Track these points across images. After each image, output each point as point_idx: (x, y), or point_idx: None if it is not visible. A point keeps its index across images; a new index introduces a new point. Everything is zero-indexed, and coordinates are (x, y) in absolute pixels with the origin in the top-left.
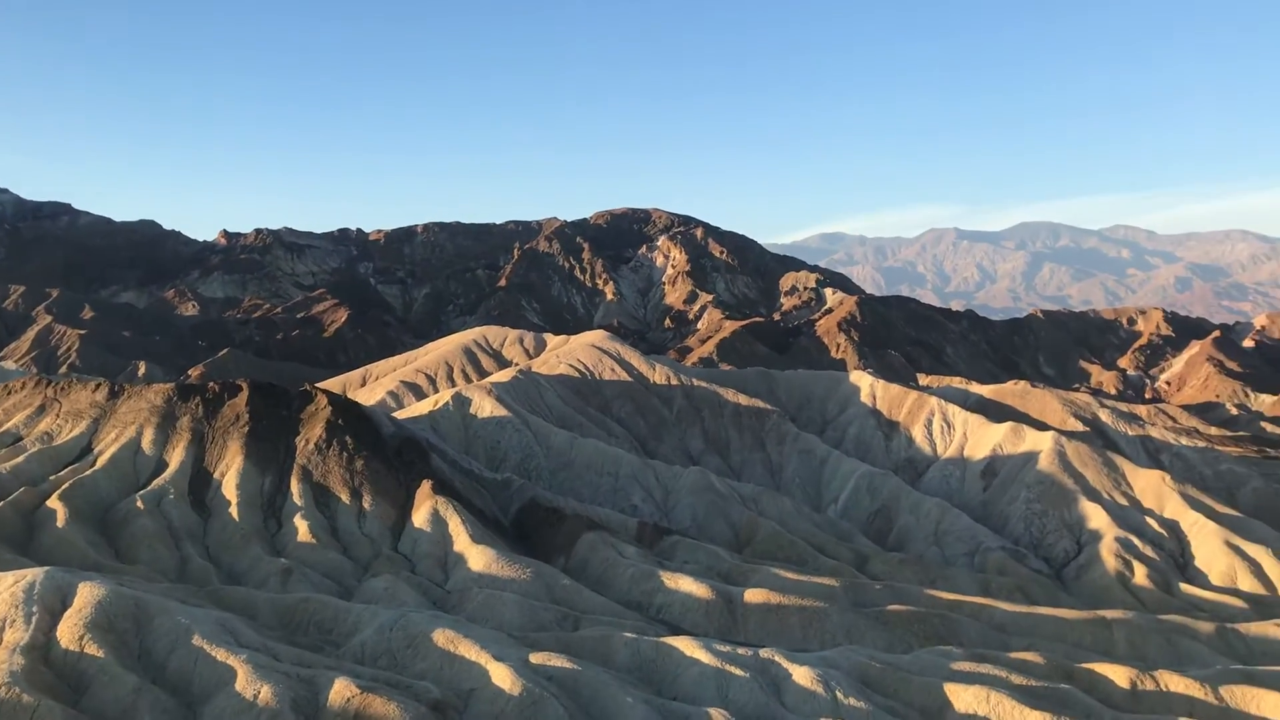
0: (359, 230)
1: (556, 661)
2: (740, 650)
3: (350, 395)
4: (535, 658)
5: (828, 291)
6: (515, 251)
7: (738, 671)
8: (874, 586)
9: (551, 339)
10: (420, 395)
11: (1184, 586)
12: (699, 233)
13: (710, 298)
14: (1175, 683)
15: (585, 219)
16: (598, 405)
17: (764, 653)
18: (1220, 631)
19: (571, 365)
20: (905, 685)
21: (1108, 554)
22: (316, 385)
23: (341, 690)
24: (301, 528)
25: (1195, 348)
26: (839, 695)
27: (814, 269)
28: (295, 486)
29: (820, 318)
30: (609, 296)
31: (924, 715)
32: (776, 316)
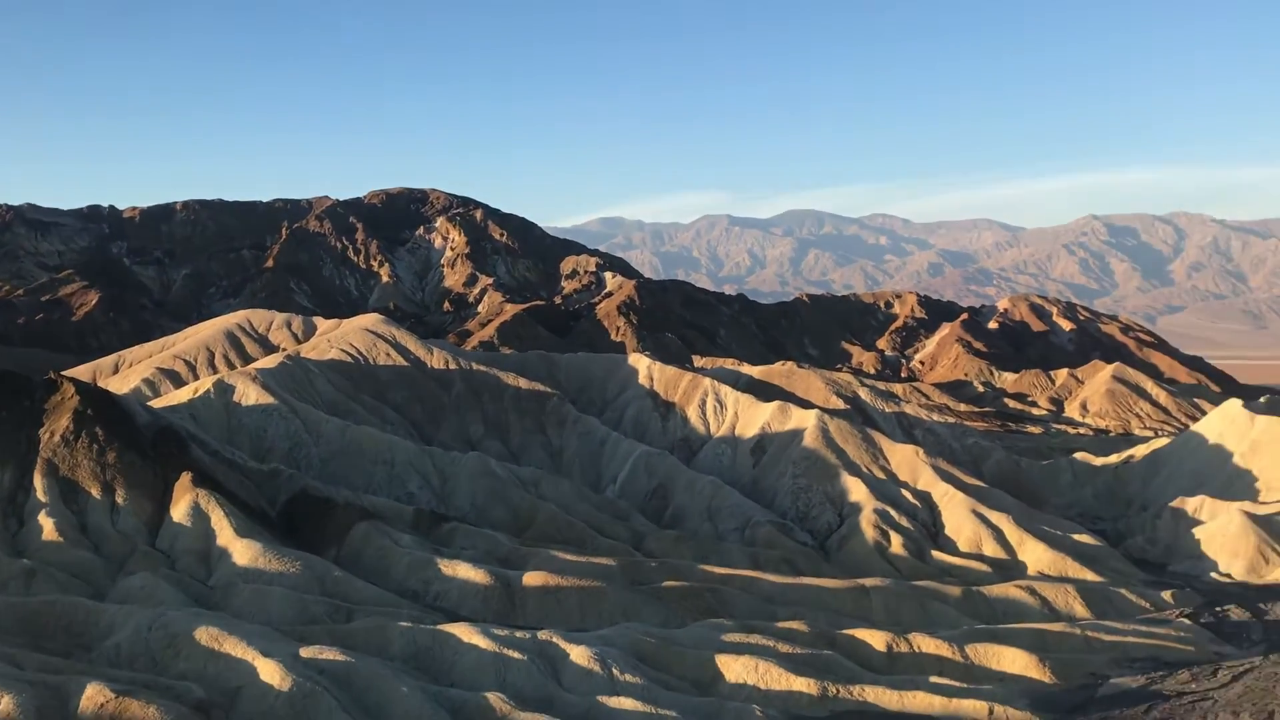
0: (111, 207)
1: (329, 654)
2: (518, 634)
3: (101, 383)
4: (306, 651)
5: (608, 275)
6: (283, 231)
7: (515, 655)
8: (650, 564)
9: (322, 323)
10: (179, 383)
11: (935, 553)
12: (479, 214)
13: (490, 281)
14: (926, 644)
15: (359, 198)
16: (372, 391)
17: (542, 635)
18: (967, 594)
19: (344, 350)
20: (680, 659)
21: (867, 525)
22: (63, 373)
23: (94, 696)
24: (46, 526)
25: (946, 330)
26: (615, 672)
27: (594, 253)
28: (39, 482)
29: (600, 301)
30: (385, 279)
31: (697, 687)
32: (557, 300)
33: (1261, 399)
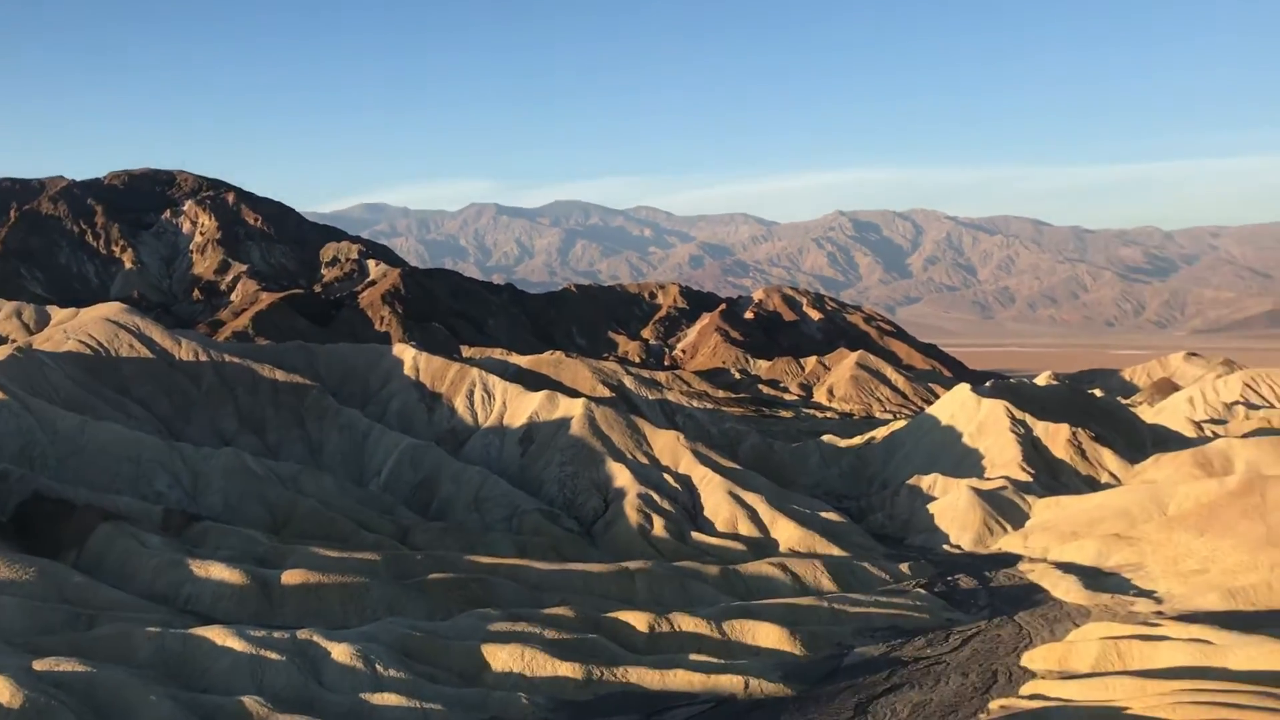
0: None
1: (66, 666)
2: (276, 634)
3: None
4: (40, 664)
5: (371, 263)
6: (12, 213)
7: (273, 656)
8: (416, 557)
9: (58, 312)
10: None
11: (695, 535)
12: (231, 198)
13: (245, 268)
14: (686, 623)
15: (98, 179)
16: (114, 385)
17: (301, 634)
18: (724, 573)
19: (82, 341)
20: (445, 651)
21: (631, 509)
22: None
23: None
24: None
25: (706, 319)
26: (379, 668)
27: (356, 240)
28: None
29: (364, 290)
30: (128, 265)
31: (463, 678)
32: (318, 288)
33: (987, 384)
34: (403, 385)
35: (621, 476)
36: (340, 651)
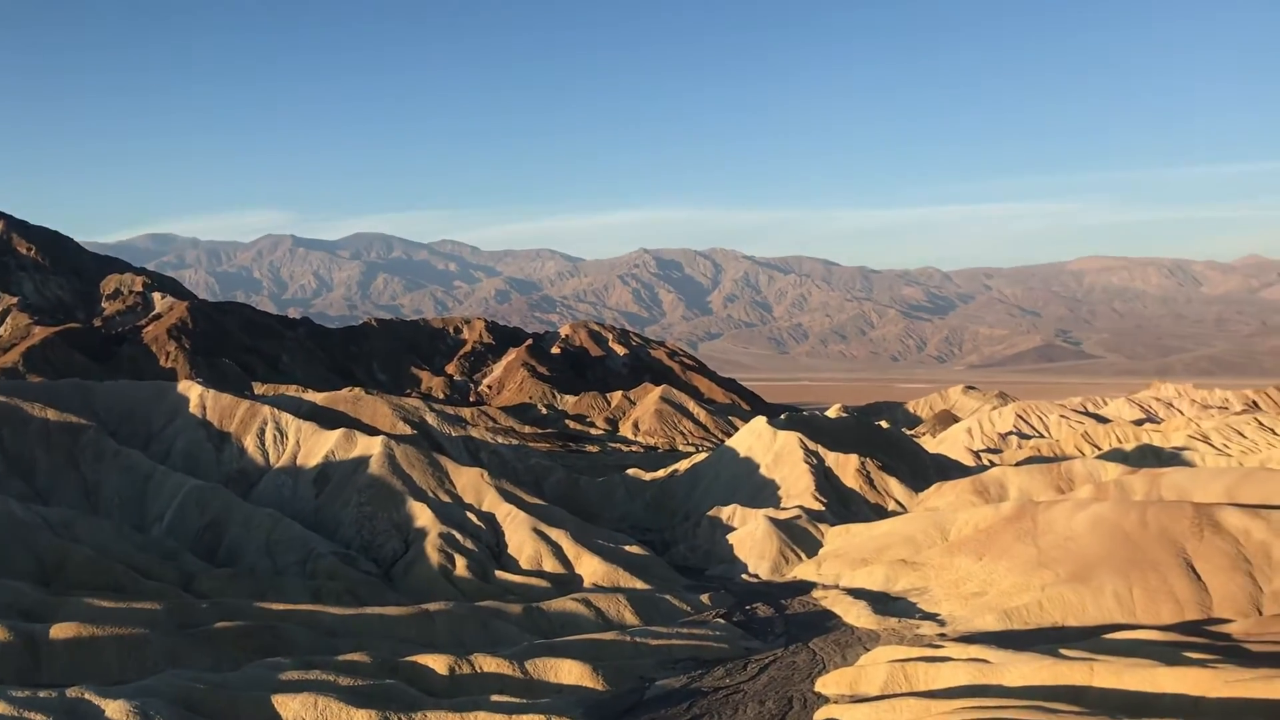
0: None
1: None
2: (43, 693)
3: None
4: None
5: (156, 296)
6: None
7: (38, 717)
8: (201, 605)
9: None
10: None
11: (499, 573)
12: (0, 226)
13: (15, 300)
14: (488, 663)
15: None
16: None
17: (71, 692)
18: (528, 611)
19: None
20: (232, 704)
21: (432, 550)
22: None
23: None
24: None
25: (512, 354)
26: None
27: (141, 271)
28: None
29: (148, 324)
30: None
31: None
32: (98, 323)
33: (782, 416)
34: (188, 424)
35: (423, 516)
36: (115, 709)
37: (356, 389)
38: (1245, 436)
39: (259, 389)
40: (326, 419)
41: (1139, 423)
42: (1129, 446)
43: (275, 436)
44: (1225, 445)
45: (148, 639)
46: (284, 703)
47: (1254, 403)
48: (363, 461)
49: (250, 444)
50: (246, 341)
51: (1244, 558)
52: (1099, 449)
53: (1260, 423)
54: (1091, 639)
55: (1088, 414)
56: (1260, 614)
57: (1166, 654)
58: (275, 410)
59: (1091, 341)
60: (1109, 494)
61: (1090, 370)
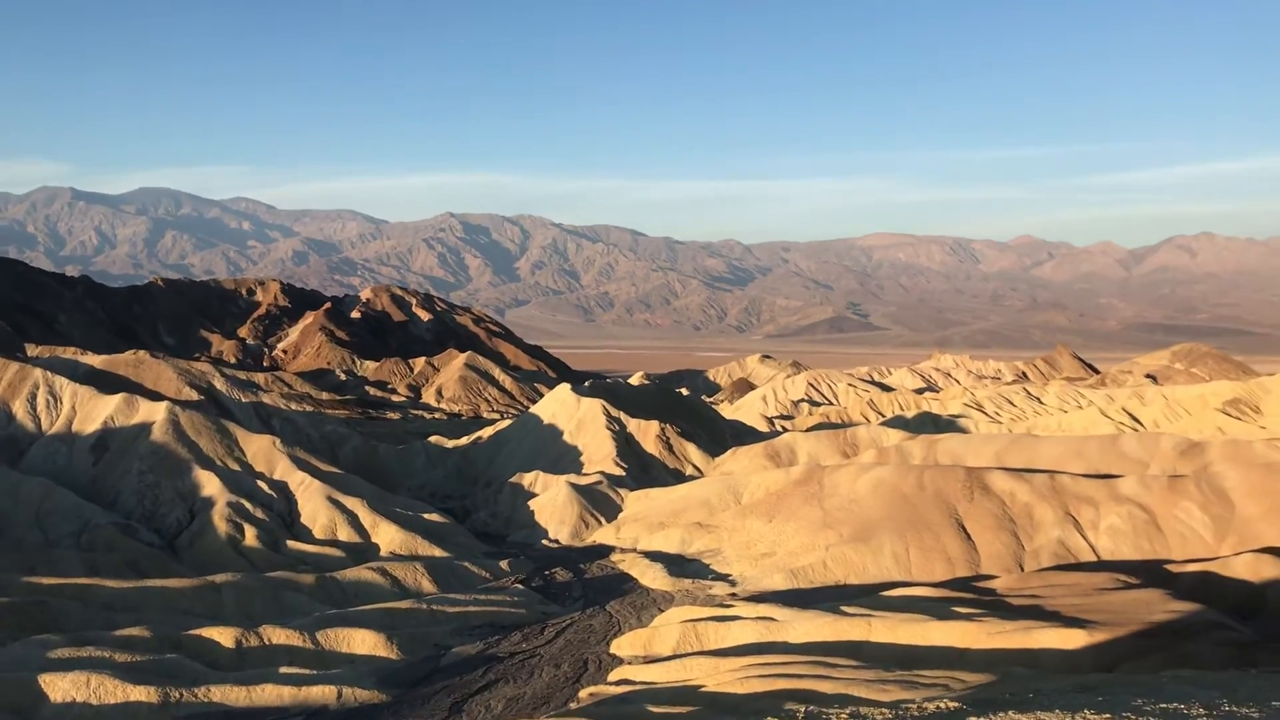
0: None
1: None
2: None
3: None
4: None
5: None
6: None
7: None
8: None
9: None
10: None
11: (291, 543)
12: None
13: None
14: (277, 635)
15: None
16: None
17: None
18: (321, 581)
19: None
20: None
21: (220, 519)
22: None
23: None
24: None
25: (309, 318)
26: None
27: None
28: None
29: None
30: None
31: (18, 713)
32: None
33: (586, 383)
34: None
35: (210, 485)
36: None
37: (140, 352)
38: (1015, 405)
39: (31, 351)
40: (106, 383)
41: (920, 391)
42: (910, 414)
43: (48, 401)
44: (997, 413)
45: None
46: (52, 682)
47: (1023, 374)
48: (145, 428)
49: (19, 409)
50: (18, 300)
51: (1009, 518)
52: (883, 416)
53: (1028, 392)
54: (871, 596)
55: (873, 383)
56: (1022, 569)
57: (938, 609)
58: (48, 373)
59: (878, 314)
60: (890, 458)
61: (877, 341)
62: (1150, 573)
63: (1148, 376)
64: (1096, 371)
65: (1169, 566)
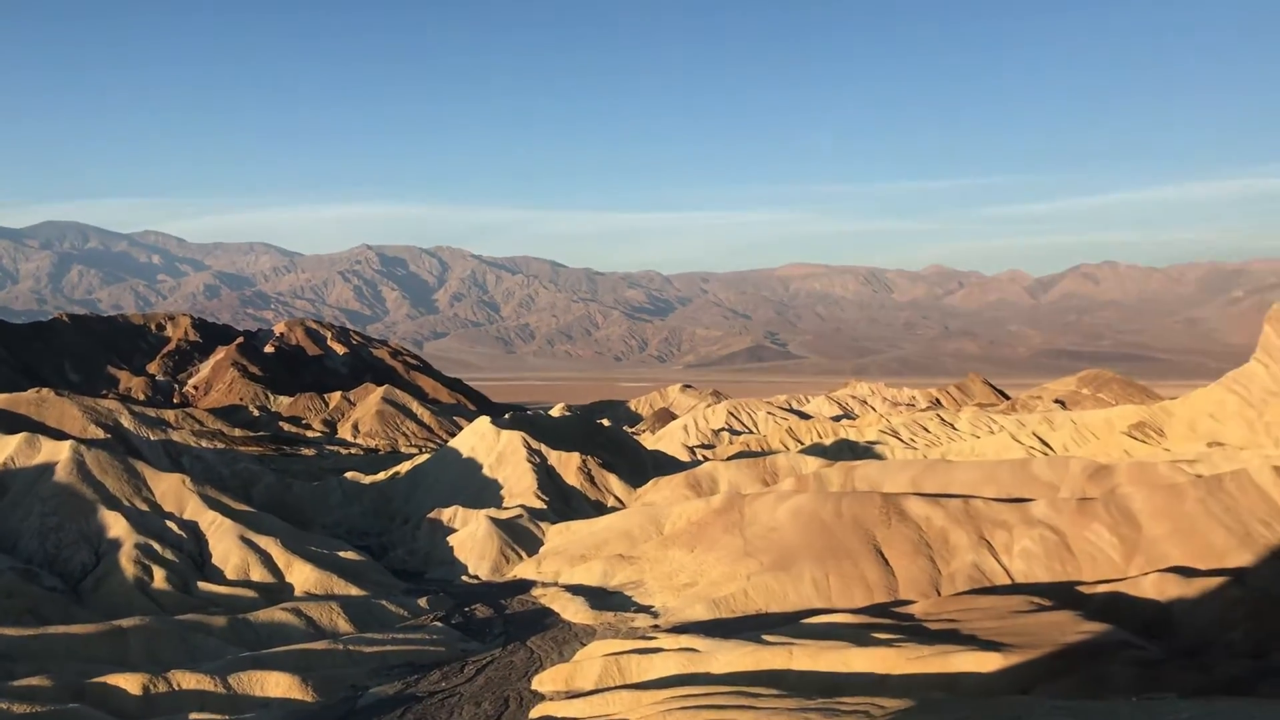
0: None
1: None
2: None
3: None
4: None
5: None
6: None
7: None
8: None
9: None
10: None
11: (202, 585)
12: None
13: None
14: (187, 680)
15: None
16: None
17: None
18: (232, 623)
19: None
20: None
21: (127, 562)
22: None
23: None
24: None
25: (221, 353)
26: None
27: None
28: None
29: None
30: None
31: None
32: None
33: (506, 416)
34: None
35: (116, 526)
36: None
37: (43, 390)
38: (929, 431)
39: None
40: (6, 423)
41: (837, 419)
42: (828, 441)
43: None
44: (912, 439)
45: None
46: None
47: (937, 400)
48: (48, 468)
49: None
50: None
51: (926, 543)
52: (802, 443)
53: (942, 418)
54: (792, 624)
55: (792, 411)
56: (939, 594)
57: (858, 635)
58: None
59: (796, 343)
60: (809, 486)
61: (795, 370)
62: (1062, 594)
63: (1056, 402)
64: (1007, 397)
65: (1080, 588)
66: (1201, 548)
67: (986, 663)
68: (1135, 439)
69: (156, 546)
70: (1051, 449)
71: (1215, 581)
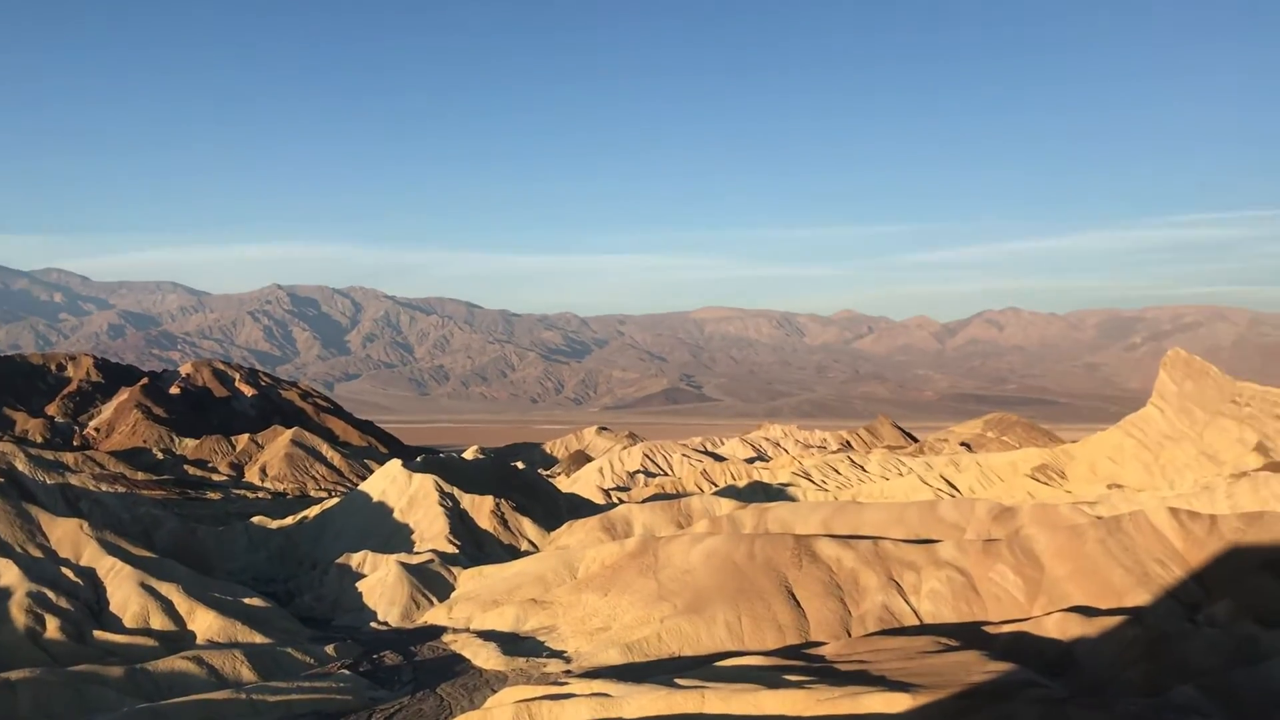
0: None
1: None
2: None
3: None
4: None
5: None
6: None
7: None
8: None
9: None
10: None
11: (98, 634)
12: None
13: None
14: None
15: None
16: None
17: None
18: (130, 673)
19: None
20: None
21: (18, 611)
22: None
23: None
24: None
25: (125, 394)
26: None
27: None
28: None
29: None
30: None
31: None
32: None
33: (418, 459)
34: None
35: (8, 574)
36: None
37: None
38: (840, 473)
39: None
40: None
41: (751, 461)
42: (742, 483)
43: None
44: (824, 481)
45: None
46: None
47: (847, 442)
48: None
49: None
50: None
51: (836, 584)
52: (716, 485)
53: (852, 460)
54: (705, 667)
55: (707, 453)
56: (849, 635)
57: (769, 678)
58: None
59: (711, 385)
60: (722, 528)
61: (710, 412)
62: (969, 634)
63: (963, 444)
64: (915, 440)
65: (986, 628)
66: (1102, 587)
67: (895, 703)
68: (1038, 481)
69: (50, 594)
70: (958, 490)
71: (1115, 620)
